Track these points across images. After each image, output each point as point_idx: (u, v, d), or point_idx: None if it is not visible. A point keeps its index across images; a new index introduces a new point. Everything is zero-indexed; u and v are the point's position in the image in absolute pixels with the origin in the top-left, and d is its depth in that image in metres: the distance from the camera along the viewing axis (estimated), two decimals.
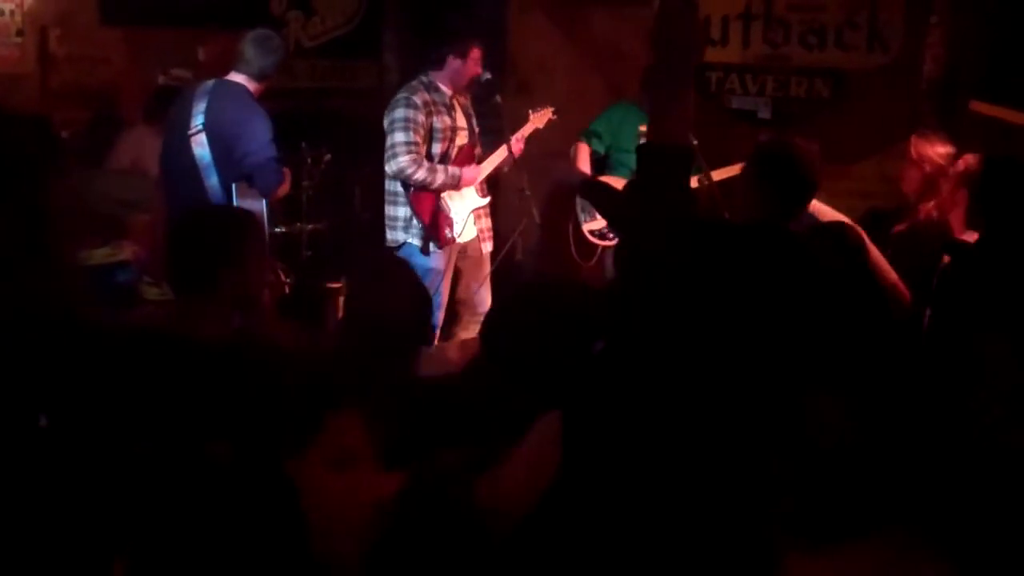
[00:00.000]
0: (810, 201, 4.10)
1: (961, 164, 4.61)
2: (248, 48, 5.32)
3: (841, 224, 4.22)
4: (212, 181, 5.21)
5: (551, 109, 6.44)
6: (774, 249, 3.79)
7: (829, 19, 7.04)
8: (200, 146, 5.21)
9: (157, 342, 2.75)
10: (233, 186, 5.21)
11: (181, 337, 2.79)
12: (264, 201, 5.26)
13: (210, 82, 5.39)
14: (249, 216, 3.45)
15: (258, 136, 5.21)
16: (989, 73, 6.39)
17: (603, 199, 4.81)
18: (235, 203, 5.16)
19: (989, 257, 4.09)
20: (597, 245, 6.79)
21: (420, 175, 5.89)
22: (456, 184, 6.03)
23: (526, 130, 6.34)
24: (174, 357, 2.61)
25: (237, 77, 5.35)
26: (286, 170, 5.46)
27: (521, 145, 6.24)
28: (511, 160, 6.20)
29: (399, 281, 3.18)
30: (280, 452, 1.90)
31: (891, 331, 3.85)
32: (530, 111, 6.42)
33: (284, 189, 5.42)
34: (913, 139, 5.27)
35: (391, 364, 2.72)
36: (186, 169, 5.22)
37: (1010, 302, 3.02)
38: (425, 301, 3.18)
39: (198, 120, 5.23)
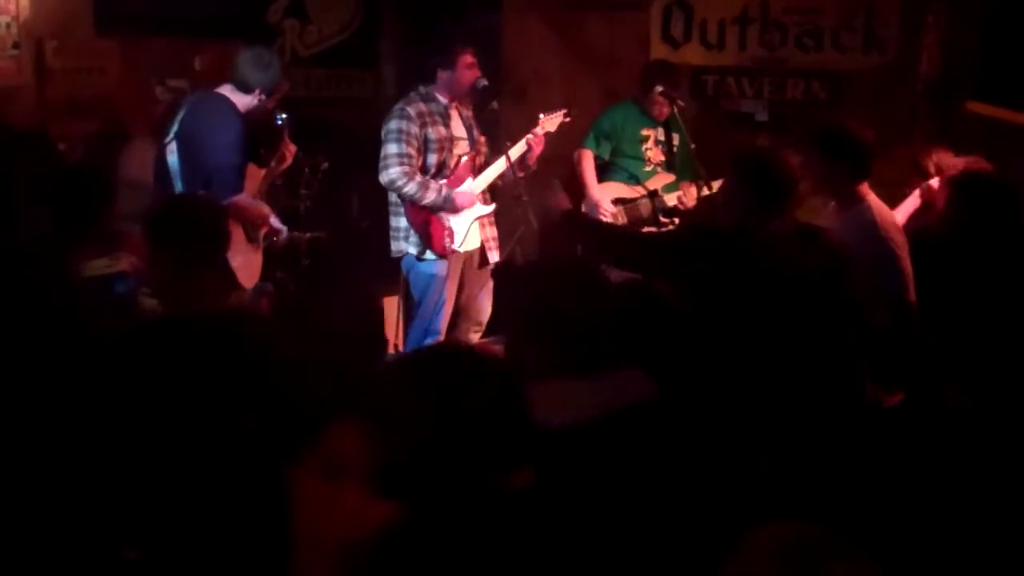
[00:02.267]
0: (786, 206, 4.10)
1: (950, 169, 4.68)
2: (239, 61, 5.34)
3: (817, 228, 4.23)
4: (176, 188, 5.28)
5: (563, 111, 6.32)
6: (745, 254, 3.82)
7: (825, 22, 7.05)
8: (172, 154, 5.28)
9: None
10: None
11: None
12: None
13: (196, 94, 5.45)
14: None
15: (221, 143, 5.21)
16: (985, 74, 6.39)
17: (589, 234, 4.82)
18: None
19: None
20: None
21: (410, 189, 5.87)
22: (450, 207, 5.96)
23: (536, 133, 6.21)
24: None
25: (223, 88, 5.36)
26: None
27: (541, 145, 6.11)
28: (527, 162, 6.14)
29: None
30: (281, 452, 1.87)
31: (862, 337, 3.85)
32: (541, 114, 6.29)
33: (240, 202, 5.30)
34: (934, 154, 5.25)
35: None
36: (162, 178, 5.30)
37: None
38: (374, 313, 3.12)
39: (173, 129, 5.29)
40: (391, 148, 5.88)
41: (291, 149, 5.74)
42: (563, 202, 5.33)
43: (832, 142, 4.50)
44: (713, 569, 1.85)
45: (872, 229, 4.41)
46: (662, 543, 2.30)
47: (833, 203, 4.62)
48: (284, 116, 5.78)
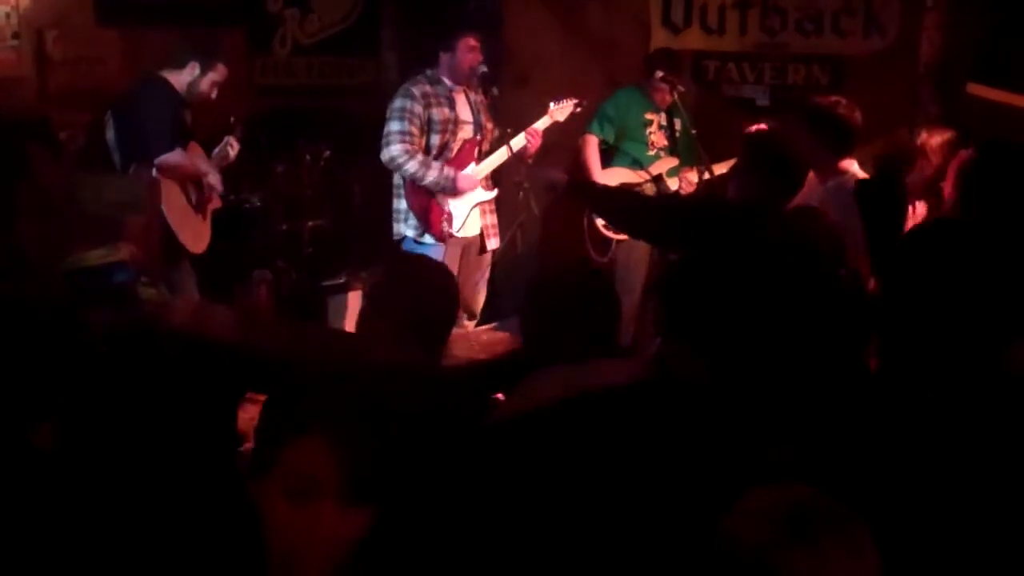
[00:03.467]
0: (799, 188, 4.15)
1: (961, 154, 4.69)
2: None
3: (816, 210, 4.30)
4: (117, 160, 5.63)
5: (574, 101, 6.33)
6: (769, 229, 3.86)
7: (825, 5, 7.02)
8: (110, 130, 5.65)
9: None
10: (132, 166, 5.59)
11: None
12: (154, 172, 5.53)
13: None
14: None
15: (146, 112, 5.55)
16: (986, 56, 6.36)
17: (594, 196, 4.84)
18: (130, 174, 5.60)
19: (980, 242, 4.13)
20: (611, 240, 6.72)
21: (411, 167, 5.88)
22: (451, 188, 5.99)
23: (542, 124, 6.23)
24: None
25: (162, 71, 5.77)
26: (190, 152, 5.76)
27: (539, 137, 6.15)
28: (534, 148, 6.14)
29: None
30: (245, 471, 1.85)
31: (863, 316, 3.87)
32: (551, 103, 6.30)
33: (173, 160, 5.60)
34: (922, 133, 5.27)
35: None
36: (102, 153, 5.66)
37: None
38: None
39: (111, 106, 5.70)
40: (393, 126, 5.92)
41: (234, 147, 6.09)
42: (560, 175, 5.33)
43: (817, 117, 4.68)
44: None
45: (853, 201, 4.54)
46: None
47: (814, 175, 4.67)
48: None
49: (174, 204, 5.68)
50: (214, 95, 5.89)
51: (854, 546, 1.79)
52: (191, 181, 5.83)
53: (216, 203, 6.04)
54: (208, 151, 6.03)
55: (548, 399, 2.45)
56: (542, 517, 2.28)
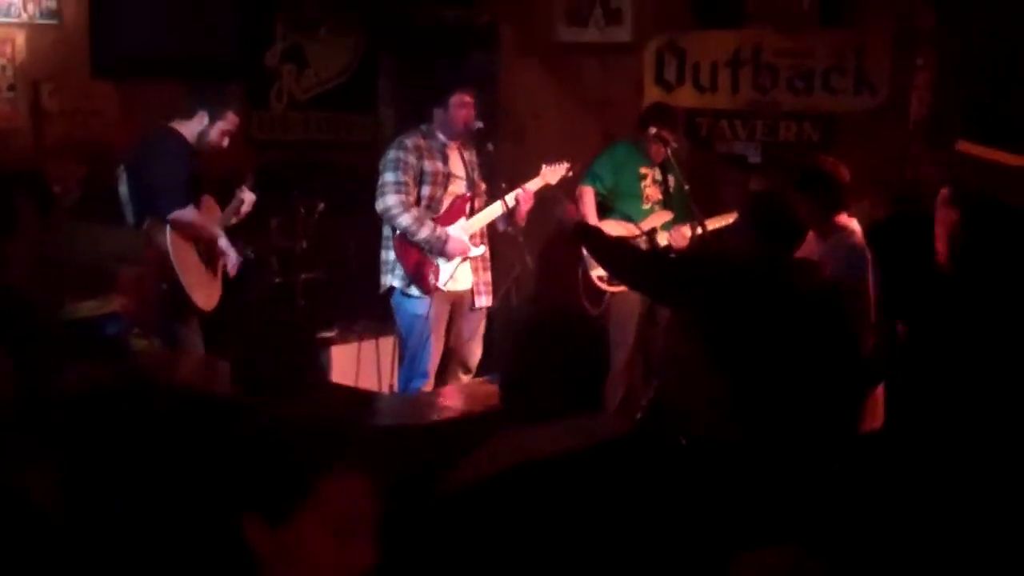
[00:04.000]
0: (802, 239, 4.20)
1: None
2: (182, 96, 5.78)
3: (814, 263, 4.36)
4: (130, 217, 5.60)
5: (567, 165, 6.38)
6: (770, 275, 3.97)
7: (816, 64, 7.07)
8: (123, 184, 5.62)
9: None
10: (147, 220, 5.55)
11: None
12: (167, 227, 5.50)
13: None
14: None
15: (161, 167, 5.51)
16: (976, 114, 6.42)
17: (598, 243, 4.86)
18: (144, 230, 5.54)
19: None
20: (605, 292, 6.72)
21: (405, 221, 5.90)
22: (440, 249, 5.98)
23: (535, 184, 6.26)
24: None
25: (172, 122, 5.72)
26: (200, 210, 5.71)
27: (531, 199, 6.15)
28: (514, 216, 6.15)
29: None
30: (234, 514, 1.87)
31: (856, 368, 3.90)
32: (544, 165, 6.34)
33: (186, 218, 5.59)
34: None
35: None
36: (117, 207, 5.65)
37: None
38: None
39: (125, 160, 5.68)
40: (388, 176, 5.95)
41: (248, 198, 6.00)
42: (571, 212, 5.35)
43: (805, 178, 4.75)
44: None
45: (859, 252, 4.68)
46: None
47: (813, 234, 4.71)
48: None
49: (186, 262, 5.64)
50: (225, 144, 5.84)
51: None
52: (203, 240, 5.79)
53: (230, 262, 5.93)
54: (219, 204, 6.00)
55: (501, 466, 2.42)
56: None
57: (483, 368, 6.36)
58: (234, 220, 5.97)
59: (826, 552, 1.94)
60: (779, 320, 3.90)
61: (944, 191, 5.14)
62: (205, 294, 5.74)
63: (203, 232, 5.74)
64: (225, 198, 6.01)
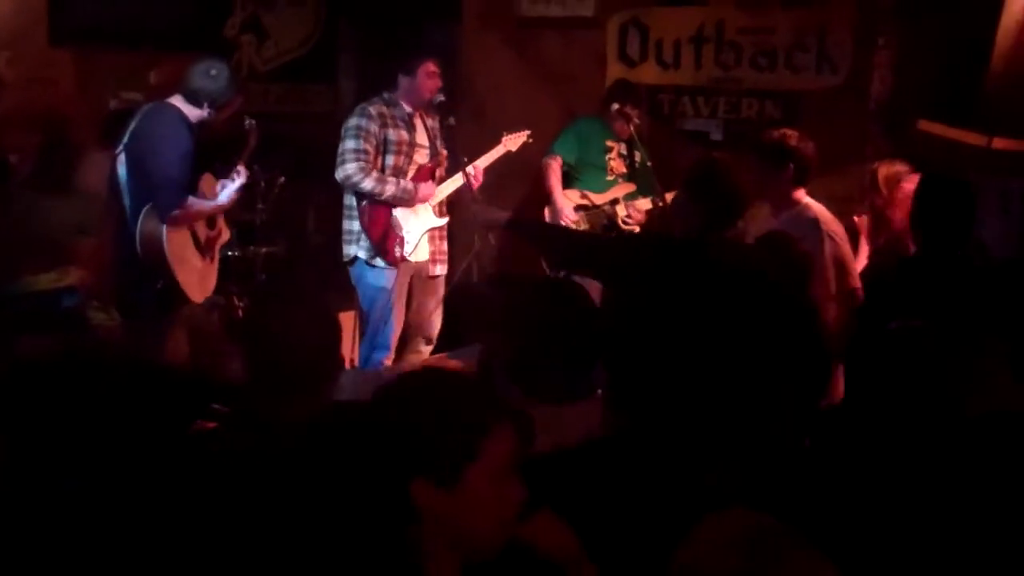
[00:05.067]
0: (739, 216, 4.18)
1: (908, 185, 4.79)
2: (190, 72, 5.23)
3: (787, 236, 4.35)
4: (127, 202, 5.17)
5: (527, 132, 6.40)
6: (709, 260, 3.92)
7: (779, 42, 7.11)
8: (121, 165, 5.17)
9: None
10: (144, 209, 5.12)
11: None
12: (163, 226, 5.12)
13: (148, 104, 5.33)
14: None
15: (165, 155, 5.10)
16: (936, 93, 6.46)
17: (533, 235, 4.84)
18: (139, 224, 5.08)
19: (923, 270, 4.24)
20: None
21: (368, 183, 5.84)
22: (410, 199, 5.96)
23: (496, 153, 6.29)
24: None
25: (174, 99, 5.26)
26: (203, 204, 5.38)
27: (480, 176, 6.12)
28: (474, 188, 6.13)
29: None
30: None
31: (814, 345, 3.91)
32: (504, 133, 6.36)
33: (184, 214, 5.22)
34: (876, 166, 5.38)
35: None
36: (113, 190, 5.20)
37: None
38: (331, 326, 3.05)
39: (124, 140, 5.19)
40: (348, 144, 5.89)
41: (240, 173, 5.57)
42: (502, 213, 5.34)
43: (768, 149, 4.76)
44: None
45: (814, 227, 4.65)
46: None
47: (769, 207, 4.74)
48: (252, 121, 5.77)
49: (183, 256, 5.31)
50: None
51: (817, 559, 1.80)
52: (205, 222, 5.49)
53: (224, 239, 5.69)
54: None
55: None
56: None
57: (443, 342, 6.34)
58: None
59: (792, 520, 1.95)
60: (690, 301, 3.86)
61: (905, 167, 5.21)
62: (200, 286, 5.44)
63: (201, 214, 5.41)
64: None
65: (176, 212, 5.14)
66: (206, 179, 5.49)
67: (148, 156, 5.13)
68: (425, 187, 6.02)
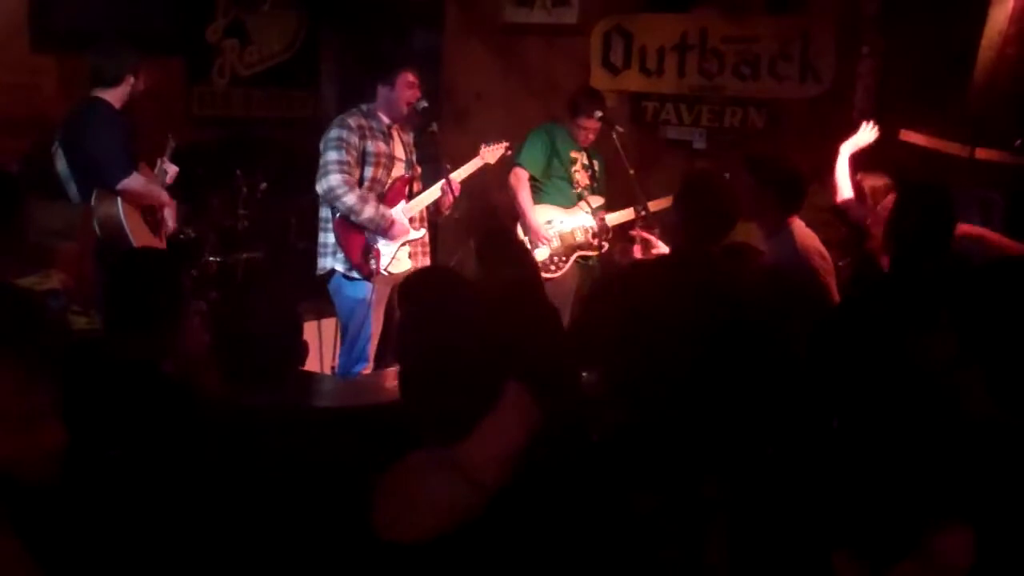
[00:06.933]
0: (730, 228, 4.19)
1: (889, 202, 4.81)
2: (94, 65, 5.52)
3: (744, 245, 4.40)
4: (73, 191, 5.46)
5: (505, 144, 6.34)
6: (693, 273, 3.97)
7: (763, 50, 7.12)
8: (60, 160, 5.47)
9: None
10: (94, 192, 5.37)
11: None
12: (119, 200, 5.37)
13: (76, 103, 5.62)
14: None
15: (100, 132, 5.37)
16: (919, 102, 6.49)
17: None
18: (93, 210, 5.35)
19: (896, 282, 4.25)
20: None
21: (349, 200, 5.77)
22: (383, 230, 5.88)
23: (473, 165, 6.24)
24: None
25: (95, 92, 5.50)
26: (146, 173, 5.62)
27: (457, 188, 6.06)
28: (450, 201, 6.10)
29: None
30: None
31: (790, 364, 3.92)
32: (483, 145, 6.30)
33: (136, 186, 5.45)
34: (865, 179, 5.41)
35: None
36: (57, 184, 5.49)
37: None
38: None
39: (56, 139, 5.49)
40: (331, 155, 5.82)
41: (172, 170, 5.86)
42: None
43: (765, 171, 4.69)
44: None
45: (793, 255, 4.58)
46: None
47: (760, 230, 4.73)
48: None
49: (137, 231, 5.47)
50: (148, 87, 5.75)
51: None
52: (148, 208, 5.65)
53: (169, 229, 5.87)
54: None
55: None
56: None
57: None
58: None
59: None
60: (677, 316, 3.87)
61: (887, 179, 5.23)
62: None
63: (153, 197, 5.62)
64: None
65: (126, 180, 5.35)
66: (144, 169, 5.63)
67: (83, 139, 5.39)
68: (399, 227, 5.95)
